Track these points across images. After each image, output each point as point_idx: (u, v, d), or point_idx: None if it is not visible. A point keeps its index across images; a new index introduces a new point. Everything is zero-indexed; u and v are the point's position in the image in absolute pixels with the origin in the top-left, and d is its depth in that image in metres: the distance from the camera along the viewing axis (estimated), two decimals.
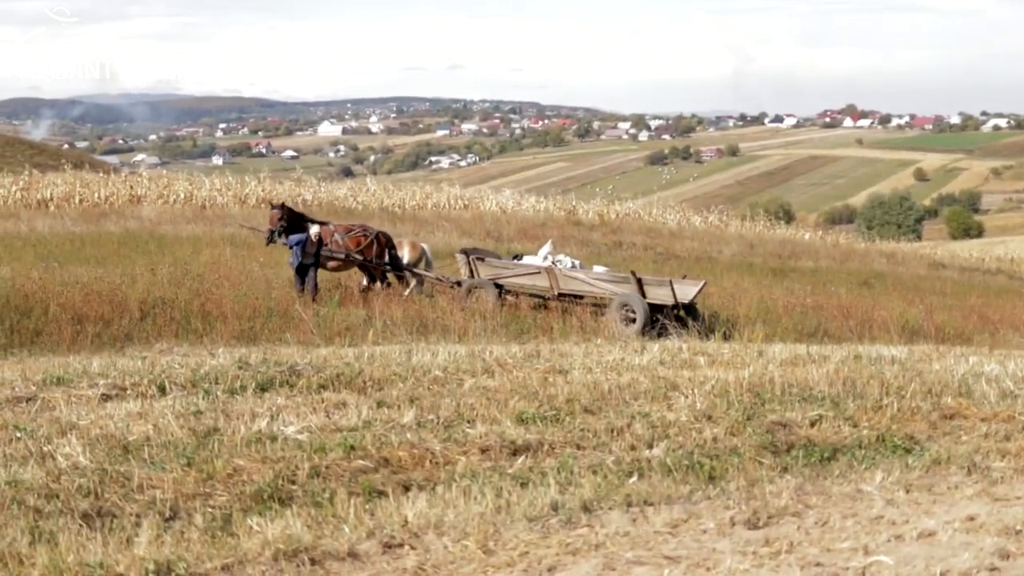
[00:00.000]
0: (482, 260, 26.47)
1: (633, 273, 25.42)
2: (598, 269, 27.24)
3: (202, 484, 9.16)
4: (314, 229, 25.86)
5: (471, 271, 26.11)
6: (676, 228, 56.99)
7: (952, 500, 8.97)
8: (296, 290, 24.69)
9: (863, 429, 11.68)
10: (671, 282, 24.87)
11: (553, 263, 25.94)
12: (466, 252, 26.77)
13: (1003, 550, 7.03)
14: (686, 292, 24.35)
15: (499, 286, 25.73)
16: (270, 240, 26.15)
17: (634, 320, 23.80)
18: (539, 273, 25.79)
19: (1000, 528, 7.64)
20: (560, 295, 25.49)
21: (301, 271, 25.13)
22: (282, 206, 26.52)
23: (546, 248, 27.35)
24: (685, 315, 24.08)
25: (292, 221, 25.83)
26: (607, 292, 24.91)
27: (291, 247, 25.27)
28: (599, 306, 25.10)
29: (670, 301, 24.34)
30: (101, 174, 55.98)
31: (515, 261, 27.19)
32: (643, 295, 24.23)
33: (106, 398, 12.48)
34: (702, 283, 25.30)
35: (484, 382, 13.88)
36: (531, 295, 26.14)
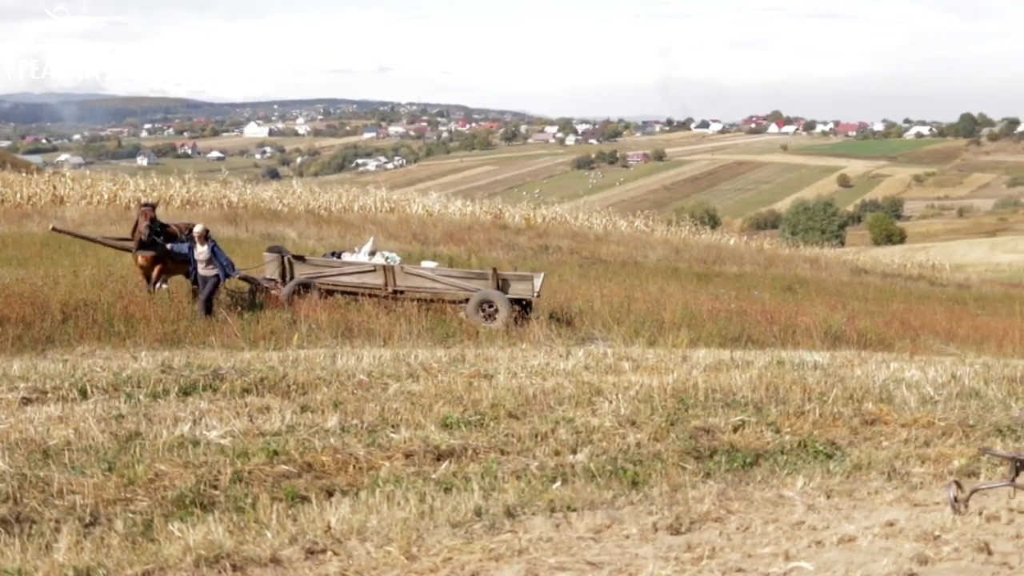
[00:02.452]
0: (301, 259, 25.33)
1: (495, 270, 25.51)
2: (427, 264, 26.79)
3: (123, 489, 9.09)
4: (199, 228, 23.40)
5: (283, 270, 24.68)
6: (602, 232, 57.08)
7: (872, 506, 9.07)
8: (202, 309, 22.27)
9: (785, 435, 11.78)
10: (533, 277, 25.36)
11: (386, 259, 25.67)
12: (278, 251, 25.75)
13: (921, 555, 7.09)
14: (537, 285, 24.90)
15: (307, 285, 24.26)
16: (147, 243, 23.15)
17: (495, 316, 23.87)
18: (373, 271, 25.00)
19: (919, 533, 7.71)
20: (396, 293, 24.80)
21: (211, 285, 22.70)
22: (154, 206, 24.49)
23: (369, 244, 26.90)
24: (523, 308, 24.60)
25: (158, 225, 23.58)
26: (457, 289, 24.89)
27: (216, 258, 22.72)
28: (432, 301, 24.92)
29: (530, 295, 24.77)
30: (24, 174, 55.34)
31: (335, 259, 26.14)
32: (504, 291, 24.40)
33: (26, 402, 12.35)
34: (542, 275, 26.01)
35: (409, 387, 13.87)
36: (352, 293, 24.76)
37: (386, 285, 24.81)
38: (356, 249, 27.31)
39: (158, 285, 23.33)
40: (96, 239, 25.83)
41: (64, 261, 24.82)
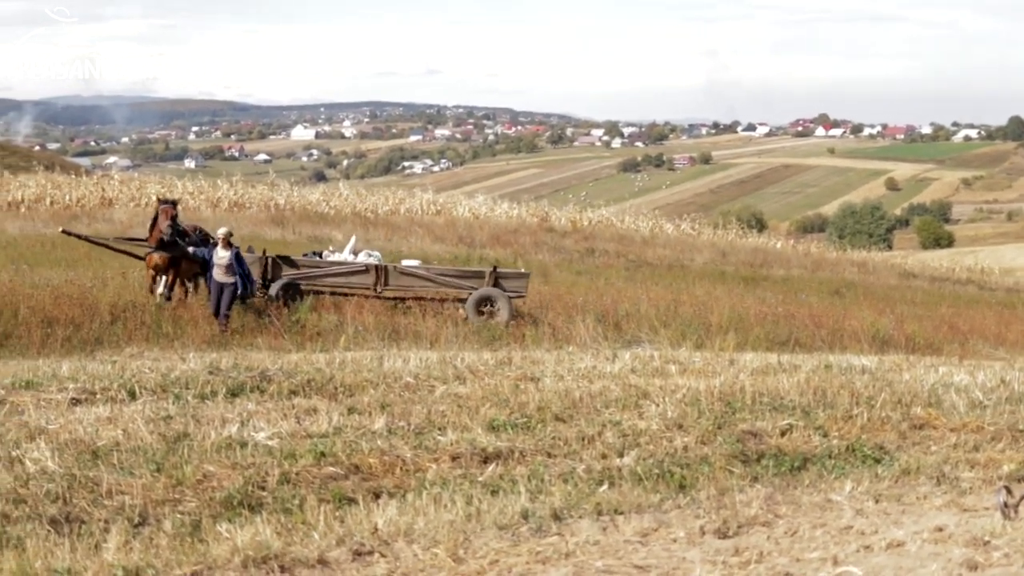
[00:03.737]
0: (288, 259, 24.56)
1: (495, 267, 25.60)
2: (410, 263, 26.42)
3: (172, 490, 9.14)
4: (223, 231, 22.67)
5: (263, 271, 23.92)
6: (648, 235, 56.94)
7: (921, 510, 9.01)
8: (222, 320, 21.66)
9: (833, 439, 11.72)
10: (528, 275, 26.03)
11: (374, 259, 25.51)
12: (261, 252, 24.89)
13: (971, 561, 7.05)
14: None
15: (293, 286, 23.75)
16: (166, 243, 22.39)
17: (494, 314, 23.88)
18: (365, 271, 24.60)
19: (968, 539, 7.66)
20: (384, 292, 24.57)
21: (229, 295, 21.91)
22: (175, 203, 23.73)
23: (352, 243, 26.61)
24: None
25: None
26: (453, 287, 24.95)
27: (239, 267, 22.03)
28: (423, 300, 24.91)
29: (523, 294, 25.10)
30: (73, 176, 55.76)
31: (317, 258, 25.57)
32: (505, 289, 24.46)
33: (76, 402, 12.44)
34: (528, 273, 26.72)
35: (455, 389, 13.87)
36: (341, 294, 24.45)
37: (376, 284, 24.51)
38: (332, 248, 27.18)
39: (161, 292, 22.57)
40: (107, 244, 25.07)
41: (113, 263, 24.93)
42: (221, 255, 21.90)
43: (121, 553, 7.50)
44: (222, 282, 21.87)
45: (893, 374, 16.33)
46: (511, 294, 24.60)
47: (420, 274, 25.11)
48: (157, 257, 22.50)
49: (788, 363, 17.41)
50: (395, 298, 24.64)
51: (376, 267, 24.66)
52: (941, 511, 8.96)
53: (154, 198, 24.21)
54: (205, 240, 23.23)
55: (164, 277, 22.54)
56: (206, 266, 22.85)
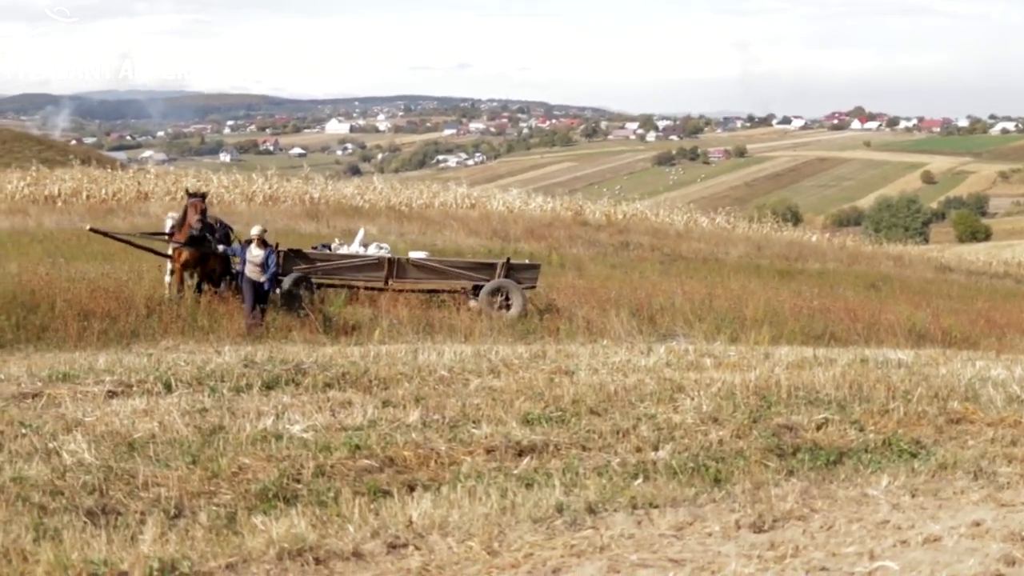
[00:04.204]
0: (300, 253, 24.33)
1: (508, 259, 25.69)
2: (416, 255, 26.39)
3: (207, 482, 9.16)
4: (257, 229, 22.26)
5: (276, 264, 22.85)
6: (683, 229, 56.90)
7: (958, 505, 8.96)
8: (256, 319, 21.27)
9: (869, 433, 11.66)
10: (538, 266, 26.34)
11: (379, 250, 25.43)
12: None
13: (1009, 556, 7.01)
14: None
15: (305, 279, 23.57)
16: (198, 238, 22.13)
17: (507, 306, 23.87)
18: (377, 264, 24.53)
19: (1006, 534, 7.62)
20: (395, 284, 24.44)
21: (260, 291, 21.72)
22: (204, 196, 23.14)
23: (360, 235, 26.42)
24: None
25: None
26: (467, 279, 24.98)
27: (267, 265, 21.67)
28: (435, 292, 24.88)
29: (534, 284, 25.28)
30: (109, 170, 56.01)
31: (328, 251, 25.45)
32: (518, 281, 24.48)
33: (112, 395, 12.49)
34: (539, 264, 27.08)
35: (490, 382, 13.88)
36: (351, 287, 24.42)
37: (388, 277, 24.42)
38: (340, 240, 27.09)
39: (175, 290, 22.29)
40: (132, 241, 24.69)
41: (148, 257, 24.99)
42: (255, 253, 21.69)
43: (157, 545, 7.52)
44: (256, 280, 21.67)
45: (929, 368, 16.25)
46: (523, 286, 24.62)
47: (432, 266, 25.05)
48: (186, 253, 22.20)
49: (824, 357, 17.33)
50: (406, 291, 24.49)
51: (389, 260, 24.64)
52: (978, 506, 8.90)
53: (184, 191, 23.53)
54: (226, 236, 23.06)
55: (198, 273, 22.48)
56: (227, 264, 22.92)
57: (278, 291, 22.78)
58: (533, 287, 25.19)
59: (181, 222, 22.41)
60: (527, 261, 27.50)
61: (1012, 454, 11.03)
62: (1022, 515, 8.25)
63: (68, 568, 6.99)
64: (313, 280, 23.77)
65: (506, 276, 24.52)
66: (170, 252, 22.85)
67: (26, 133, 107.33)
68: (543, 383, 13.72)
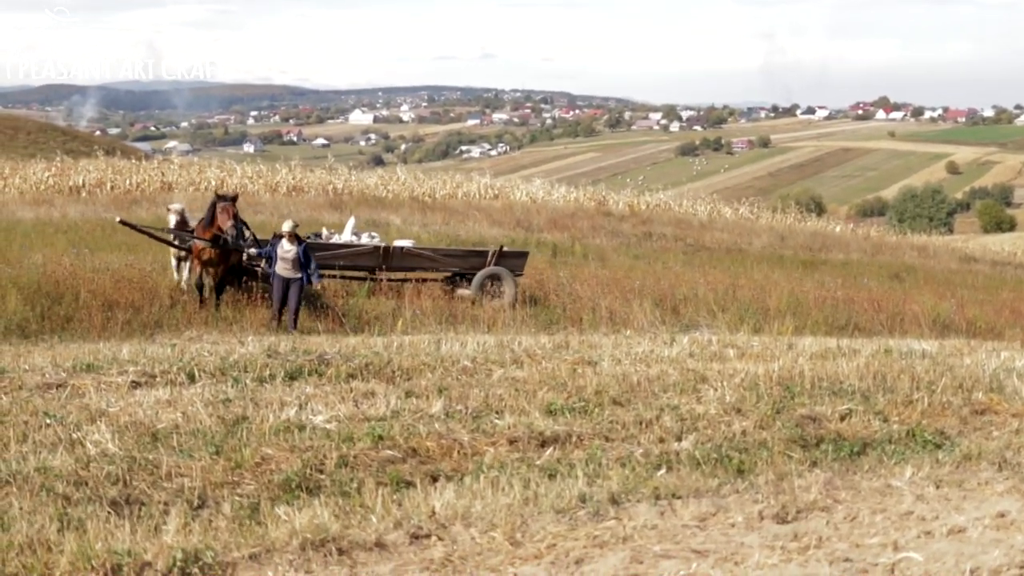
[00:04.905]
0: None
1: (501, 246, 25.80)
2: (402, 243, 26.10)
3: (230, 473, 9.18)
4: (289, 225, 21.41)
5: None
6: (706, 220, 56.82)
7: (983, 496, 8.93)
8: (292, 322, 20.61)
9: (893, 424, 11.64)
10: (527, 253, 26.40)
11: (371, 239, 25.27)
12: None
13: None
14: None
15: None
16: (230, 245, 21.37)
17: (500, 294, 23.81)
18: (372, 252, 24.20)
19: None
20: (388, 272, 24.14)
21: (294, 289, 20.82)
22: (235, 199, 21.93)
23: (351, 224, 26.17)
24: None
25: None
26: (457, 267, 24.89)
27: (303, 260, 20.79)
28: (424, 281, 24.69)
29: (521, 271, 25.18)
30: (133, 161, 56.20)
31: (319, 240, 24.68)
32: (512, 270, 24.52)
33: (135, 385, 12.52)
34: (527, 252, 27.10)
35: (513, 373, 13.87)
36: (346, 277, 24.14)
37: (380, 266, 24.20)
38: (331, 230, 26.80)
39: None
40: (161, 237, 23.45)
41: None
42: (287, 249, 20.80)
43: (181, 535, 7.55)
44: (288, 278, 20.76)
45: (954, 359, 16.19)
46: (514, 273, 24.62)
47: (426, 254, 24.96)
48: (210, 252, 21.39)
49: (847, 347, 17.29)
50: (398, 280, 24.32)
51: (383, 248, 24.50)
52: (1003, 497, 8.87)
53: (213, 192, 22.42)
54: (241, 233, 21.91)
55: (217, 273, 21.71)
56: (241, 269, 22.50)
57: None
58: (520, 275, 25.13)
59: (210, 221, 21.36)
60: (519, 249, 27.47)
61: None
62: None
63: (92, 559, 7.02)
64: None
65: (497, 264, 24.47)
66: (190, 249, 22.13)
67: (51, 124, 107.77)
68: (566, 373, 13.71)
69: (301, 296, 21.02)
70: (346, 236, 25.51)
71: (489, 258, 24.68)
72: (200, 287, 21.65)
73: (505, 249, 25.64)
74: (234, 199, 21.68)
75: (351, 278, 24.21)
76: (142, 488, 8.76)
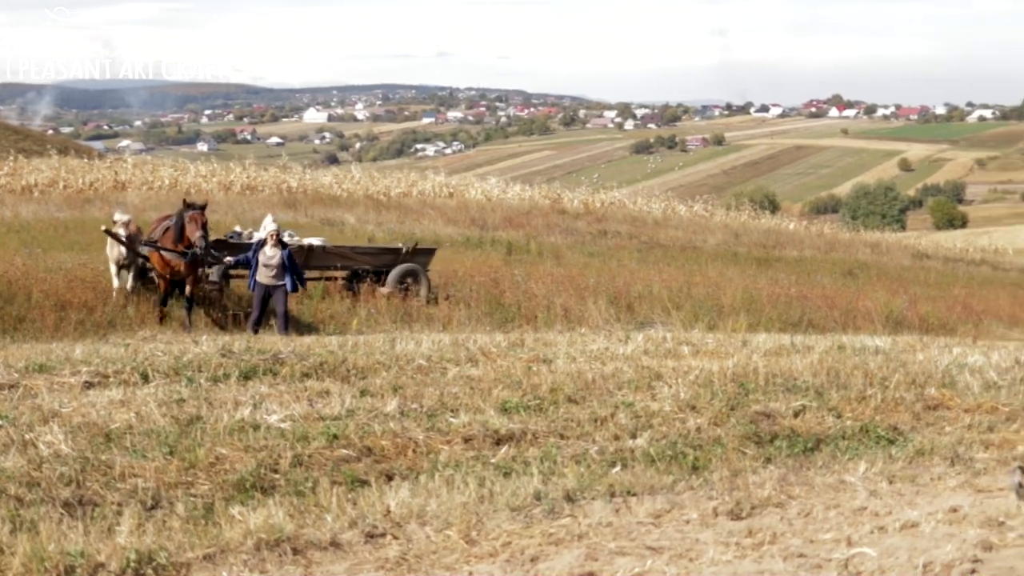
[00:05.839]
0: (223, 243, 22.55)
1: (416, 243, 25.91)
2: (313, 241, 25.42)
3: (184, 473, 9.15)
4: (270, 224, 20.71)
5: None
6: (661, 217, 56.93)
7: (935, 491, 8.99)
8: (282, 327, 19.79)
9: (847, 420, 11.71)
10: (435, 250, 26.54)
11: (295, 240, 25.06)
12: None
13: (986, 542, 7.03)
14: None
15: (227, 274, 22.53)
16: (200, 259, 20.77)
17: (415, 291, 23.81)
18: (297, 251, 22.94)
19: (983, 520, 7.64)
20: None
21: (280, 296, 20.09)
22: (204, 208, 21.14)
23: (269, 223, 25.66)
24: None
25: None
26: (370, 264, 24.73)
27: (287, 265, 20.09)
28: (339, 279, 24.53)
29: (427, 267, 25.12)
30: (86, 160, 55.74)
31: (236, 239, 23.86)
32: (423, 265, 24.61)
33: (88, 386, 12.46)
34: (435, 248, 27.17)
35: (468, 371, 13.88)
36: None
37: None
38: (243, 229, 26.25)
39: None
40: (139, 251, 21.79)
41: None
42: (270, 254, 20.03)
43: (134, 536, 7.51)
44: (269, 285, 19.96)
45: (907, 355, 16.30)
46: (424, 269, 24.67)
47: (343, 253, 24.83)
48: (183, 266, 20.55)
49: (801, 344, 17.38)
50: (313, 279, 23.74)
51: (304, 247, 24.09)
52: (955, 492, 8.94)
53: (185, 201, 21.22)
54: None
55: (188, 285, 20.85)
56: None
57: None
58: (427, 270, 25.08)
59: (179, 233, 20.48)
60: (429, 246, 27.46)
61: (989, 440, 11.08)
62: (999, 501, 8.27)
63: (45, 560, 6.98)
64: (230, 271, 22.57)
65: (409, 261, 24.46)
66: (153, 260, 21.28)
67: (3, 123, 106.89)
68: (521, 371, 13.73)
69: (287, 302, 20.13)
70: (263, 234, 25.08)
71: (402, 255, 24.66)
72: (164, 302, 20.95)
73: (420, 246, 25.70)
74: (203, 208, 20.92)
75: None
76: (95, 489, 8.71)
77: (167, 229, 20.99)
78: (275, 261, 19.96)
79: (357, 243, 29.81)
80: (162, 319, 20.66)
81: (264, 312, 20.20)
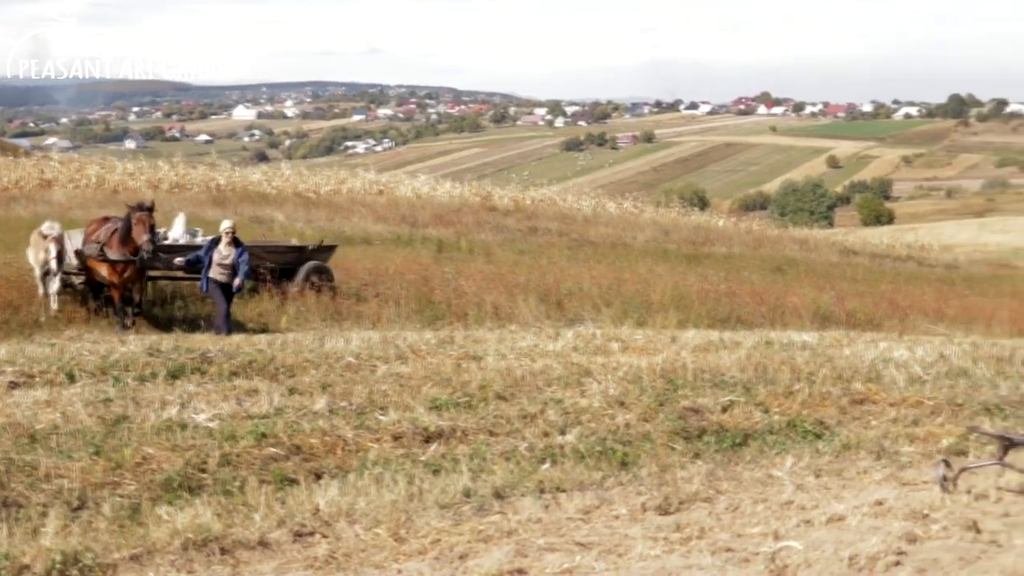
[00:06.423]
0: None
1: (322, 241, 26.16)
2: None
3: (111, 473, 9.08)
4: (228, 224, 20.16)
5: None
6: (591, 214, 57.00)
7: (861, 485, 9.08)
8: (224, 326, 19.14)
9: (774, 415, 11.79)
10: (336, 246, 26.34)
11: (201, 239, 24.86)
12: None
13: (910, 534, 7.09)
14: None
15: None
16: (145, 260, 19.81)
17: (320, 287, 23.77)
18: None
19: (908, 512, 7.71)
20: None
21: (230, 294, 19.76)
22: (152, 209, 20.19)
23: (181, 223, 25.34)
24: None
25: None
26: (277, 262, 24.29)
27: (239, 266, 19.52)
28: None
29: (327, 260, 25.08)
30: (11, 157, 55.12)
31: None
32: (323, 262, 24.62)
33: (13, 386, 12.33)
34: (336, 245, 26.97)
35: (397, 368, 13.86)
36: (175, 278, 22.86)
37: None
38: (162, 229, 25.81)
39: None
40: (94, 267, 20.64)
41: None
42: (224, 253, 19.58)
43: (59, 537, 7.45)
44: (221, 281, 19.52)
45: (834, 350, 16.43)
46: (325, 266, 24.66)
47: (254, 251, 24.50)
48: (131, 270, 19.82)
49: (729, 340, 17.48)
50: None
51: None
52: (881, 485, 9.03)
53: (131, 203, 20.12)
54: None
55: (136, 291, 20.08)
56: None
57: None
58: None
59: (125, 236, 19.69)
60: (329, 244, 27.38)
61: (914, 434, 11.20)
62: (923, 494, 8.35)
63: None
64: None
65: (314, 258, 24.42)
66: (100, 268, 20.40)
67: None
68: (450, 369, 13.73)
69: (231, 301, 19.77)
70: (175, 233, 24.74)
71: (308, 252, 24.62)
72: (113, 304, 20.35)
73: (325, 244, 25.68)
74: (151, 209, 20.04)
75: (181, 279, 22.83)
76: (19, 490, 8.62)
77: (113, 231, 20.18)
78: (230, 261, 19.53)
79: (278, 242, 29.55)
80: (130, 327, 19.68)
81: (228, 308, 19.65)
